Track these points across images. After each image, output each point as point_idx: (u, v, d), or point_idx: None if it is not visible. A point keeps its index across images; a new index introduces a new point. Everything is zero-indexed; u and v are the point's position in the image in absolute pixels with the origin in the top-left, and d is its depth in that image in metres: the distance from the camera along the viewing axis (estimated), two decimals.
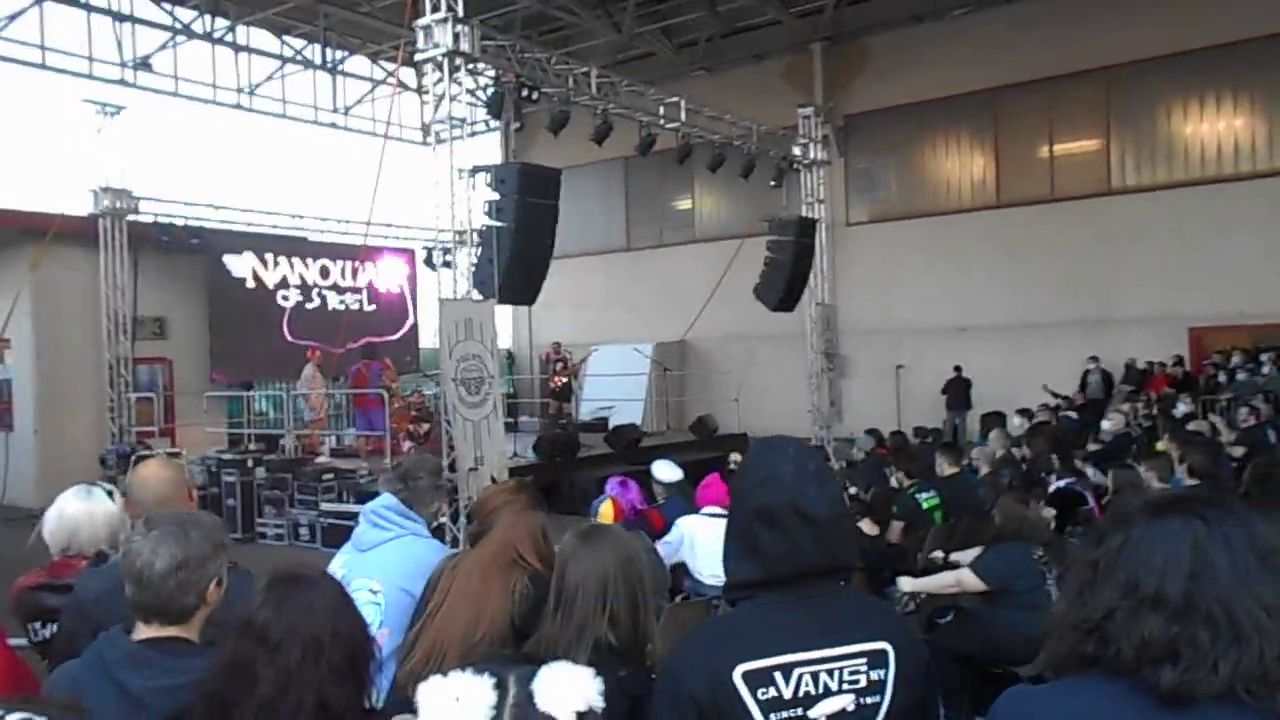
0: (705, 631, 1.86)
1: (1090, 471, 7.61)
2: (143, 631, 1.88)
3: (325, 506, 10.37)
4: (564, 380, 16.39)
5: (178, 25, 18.34)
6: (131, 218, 14.49)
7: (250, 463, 11.25)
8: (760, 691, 1.58)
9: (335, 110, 21.59)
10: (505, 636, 2.35)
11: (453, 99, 9.76)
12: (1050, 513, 5.42)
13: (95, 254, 14.16)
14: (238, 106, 19.80)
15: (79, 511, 2.78)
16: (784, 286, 14.14)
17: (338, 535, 9.54)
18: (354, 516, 9.93)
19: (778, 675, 1.58)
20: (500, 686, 1.16)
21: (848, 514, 1.77)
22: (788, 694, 1.58)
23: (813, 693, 1.59)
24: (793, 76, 18.75)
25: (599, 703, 1.20)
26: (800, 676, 1.59)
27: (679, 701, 1.60)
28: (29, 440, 13.78)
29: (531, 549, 2.51)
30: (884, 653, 1.64)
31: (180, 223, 15.15)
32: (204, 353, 15.38)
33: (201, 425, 14.09)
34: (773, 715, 1.58)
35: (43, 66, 16.83)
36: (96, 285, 14.19)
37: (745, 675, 1.58)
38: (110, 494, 2.89)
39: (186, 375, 15.31)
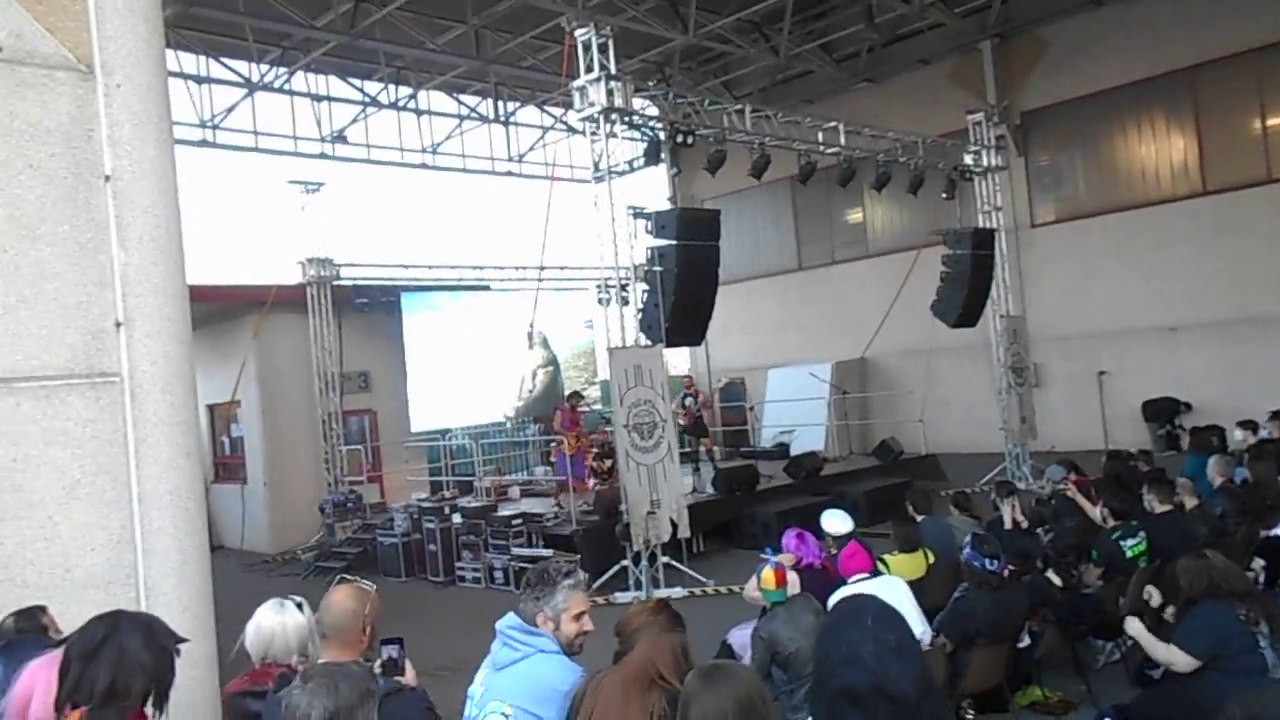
0: None
1: None
2: None
3: (516, 551, 10.85)
4: (694, 417, 14.36)
5: (367, 99, 19.91)
6: (334, 283, 15.85)
7: (447, 510, 11.95)
8: None
9: (510, 159, 22.71)
10: None
11: (611, 138, 10.09)
12: (1260, 564, 4.88)
13: (305, 319, 15.58)
14: (422, 166, 21.21)
15: (274, 624, 3.11)
16: (962, 302, 13.54)
17: None
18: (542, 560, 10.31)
19: None
20: None
21: (936, 690, 1.71)
22: None
23: None
24: (961, 78, 17.98)
25: None
26: None
27: None
28: (261, 492, 15.28)
29: (672, 669, 2.57)
30: None
31: (375, 283, 16.39)
32: (403, 402, 16.52)
33: (403, 472, 15.14)
34: None
35: (255, 150, 18.76)
36: (307, 347, 15.59)
37: None
38: (300, 606, 3.20)
39: (389, 424, 16.50)
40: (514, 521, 11.21)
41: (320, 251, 15.84)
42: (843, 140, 12.33)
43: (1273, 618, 4.28)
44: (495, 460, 16.07)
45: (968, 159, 14.10)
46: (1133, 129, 16.70)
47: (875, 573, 5.45)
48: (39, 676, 2.28)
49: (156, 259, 4.46)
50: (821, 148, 12.16)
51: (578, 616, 2.90)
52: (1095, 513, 6.75)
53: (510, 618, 2.89)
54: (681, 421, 14.67)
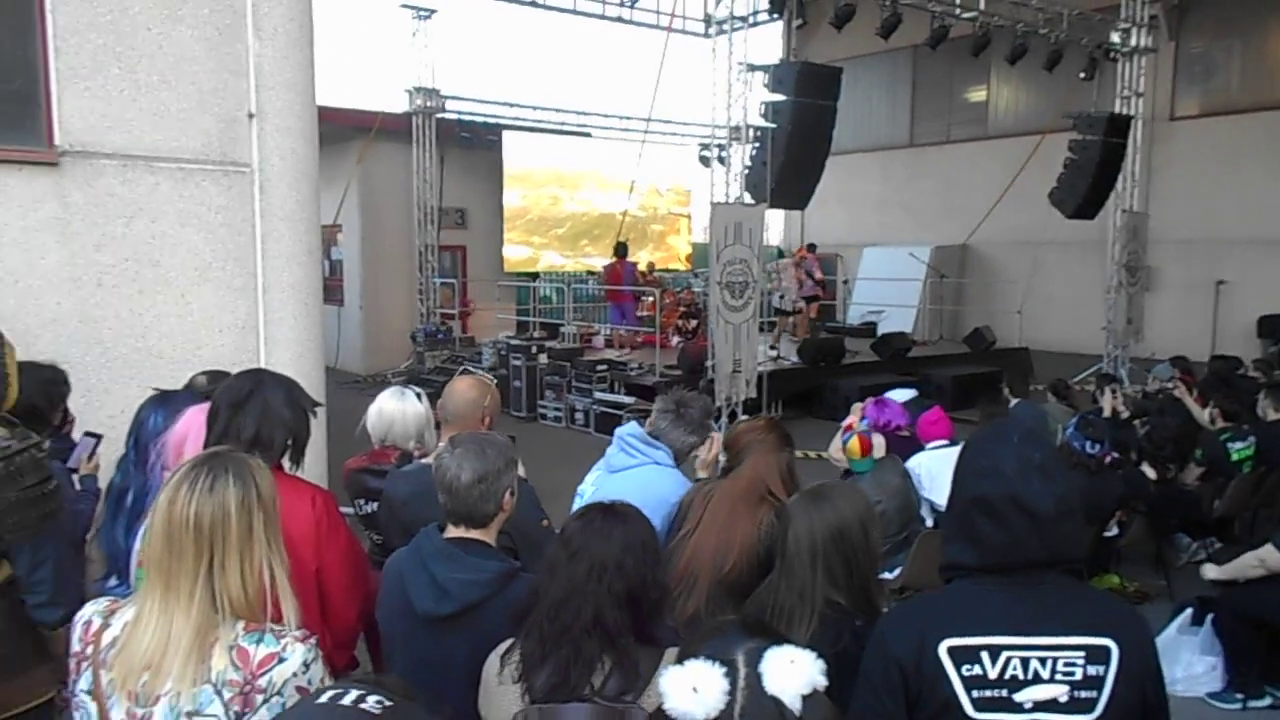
0: (917, 603, 1.96)
1: None
2: (452, 531, 2.23)
3: (599, 395, 11.08)
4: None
5: None
6: (439, 116, 15.78)
7: (534, 349, 12.19)
8: (965, 668, 1.59)
9: (621, 4, 21.86)
10: (753, 566, 2.49)
11: None
12: None
13: (408, 149, 15.63)
14: (533, 3, 20.59)
15: (394, 409, 3.27)
16: (1086, 191, 12.81)
17: (608, 423, 10.22)
18: (624, 407, 10.42)
19: (984, 654, 1.59)
20: (731, 671, 1.25)
21: (1075, 511, 1.66)
22: (993, 674, 1.58)
23: (1020, 677, 1.58)
24: None
25: (823, 683, 1.26)
26: (1008, 659, 1.58)
27: (886, 666, 1.65)
28: (356, 315, 15.78)
29: (780, 485, 2.62)
30: (1106, 649, 1.58)
31: (479, 120, 16.27)
32: (497, 242, 16.67)
33: (494, 310, 15.43)
34: (975, 692, 1.59)
35: None
36: (409, 178, 15.71)
37: (950, 650, 1.60)
38: (419, 396, 3.34)
39: (481, 262, 16.72)
40: (599, 367, 11.40)
41: (427, 82, 15.74)
42: (982, 5, 11.52)
43: None
44: (583, 307, 16.24)
45: (1115, 37, 13.04)
46: None
47: (954, 442, 5.38)
48: (195, 420, 2.43)
49: (288, 53, 4.48)
50: (958, 10, 11.40)
51: None
52: (1202, 414, 6.54)
53: (632, 425, 2.96)
54: (817, 293, 14.47)
